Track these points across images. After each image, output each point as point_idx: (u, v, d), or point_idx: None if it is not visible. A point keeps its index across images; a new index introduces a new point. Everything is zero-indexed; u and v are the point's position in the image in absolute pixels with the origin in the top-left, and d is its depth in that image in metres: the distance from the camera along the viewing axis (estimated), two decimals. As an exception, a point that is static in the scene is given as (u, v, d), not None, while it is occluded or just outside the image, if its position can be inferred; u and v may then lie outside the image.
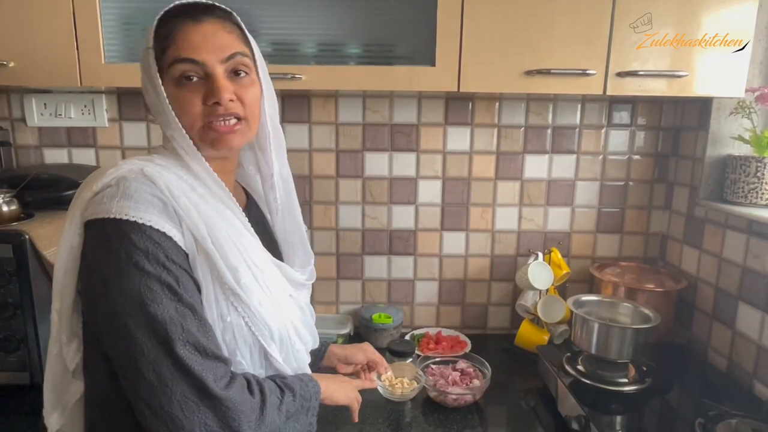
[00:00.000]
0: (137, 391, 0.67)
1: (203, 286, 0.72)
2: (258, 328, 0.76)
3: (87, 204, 0.71)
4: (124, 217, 0.67)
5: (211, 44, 0.74)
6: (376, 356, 1.12)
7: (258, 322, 0.76)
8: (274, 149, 0.87)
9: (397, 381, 1.14)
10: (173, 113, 0.74)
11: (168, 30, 0.74)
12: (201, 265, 0.72)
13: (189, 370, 0.66)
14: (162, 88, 0.74)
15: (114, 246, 0.67)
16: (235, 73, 0.77)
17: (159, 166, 0.74)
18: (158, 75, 0.74)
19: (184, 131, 0.75)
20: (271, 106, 0.85)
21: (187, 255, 0.72)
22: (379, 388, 1.10)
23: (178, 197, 0.71)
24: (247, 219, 0.82)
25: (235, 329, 0.74)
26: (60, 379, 0.77)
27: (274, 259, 0.85)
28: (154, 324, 0.66)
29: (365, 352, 1.11)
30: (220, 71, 0.75)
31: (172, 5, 0.76)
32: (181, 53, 0.73)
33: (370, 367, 1.11)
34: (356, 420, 0.96)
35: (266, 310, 0.77)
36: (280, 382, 0.79)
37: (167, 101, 0.74)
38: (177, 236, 0.70)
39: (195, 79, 0.75)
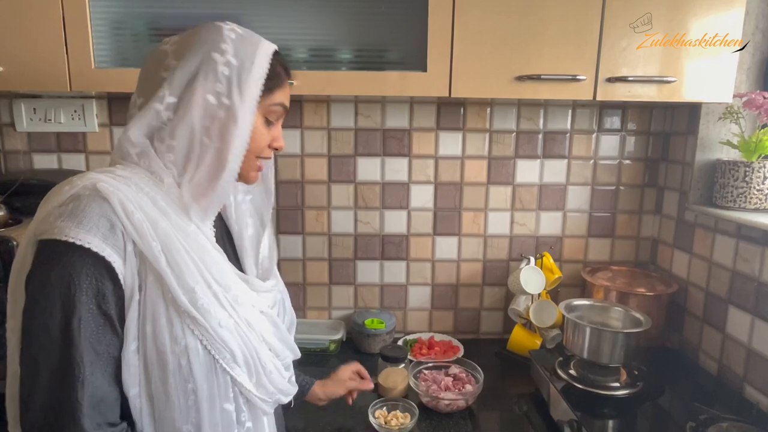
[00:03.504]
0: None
1: (149, 311, 0.69)
2: (218, 351, 0.72)
3: (39, 224, 0.68)
4: (63, 238, 0.64)
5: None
6: (357, 370, 1.18)
7: (217, 345, 0.72)
8: (271, 182, 0.93)
9: (391, 416, 1.12)
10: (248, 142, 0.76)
11: (280, 75, 0.80)
12: (150, 287, 0.69)
13: (43, 422, 0.65)
14: (255, 115, 0.75)
15: (40, 269, 0.66)
16: None
17: (119, 178, 0.71)
18: (258, 102, 0.75)
19: (241, 160, 0.75)
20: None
21: (122, 286, 0.68)
22: (375, 426, 1.09)
23: (132, 213, 0.68)
24: (214, 232, 0.79)
25: (190, 353, 0.70)
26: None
27: (241, 273, 0.82)
28: (33, 362, 0.65)
29: (344, 382, 1.15)
30: None
31: (280, 52, 0.80)
32: (285, 102, 0.81)
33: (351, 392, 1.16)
34: None
35: (227, 331, 0.73)
36: None
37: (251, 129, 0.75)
38: (117, 262, 0.67)
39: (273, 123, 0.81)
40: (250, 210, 0.92)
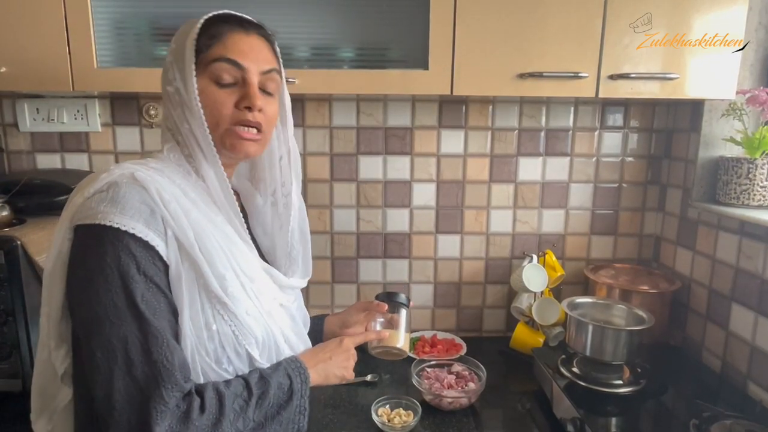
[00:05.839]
0: (96, 405, 0.67)
1: (186, 294, 0.71)
2: (245, 337, 0.76)
3: (77, 209, 0.71)
4: (107, 223, 0.67)
5: (255, 55, 0.79)
6: (371, 305, 1.07)
7: (245, 331, 0.76)
8: (296, 169, 0.91)
9: (394, 414, 1.11)
10: (200, 108, 0.75)
11: (218, 31, 0.77)
12: (186, 273, 0.71)
13: (137, 398, 0.65)
14: (195, 80, 0.75)
15: (91, 253, 0.68)
16: (264, 91, 0.81)
17: (152, 169, 0.74)
18: (194, 68, 0.75)
19: (206, 129, 0.75)
20: (291, 125, 0.90)
21: (167, 267, 0.71)
22: (378, 424, 1.09)
23: (169, 202, 0.71)
24: (244, 225, 0.81)
25: (222, 337, 0.74)
26: (48, 384, 0.76)
27: (266, 265, 0.84)
28: (110, 343, 0.66)
29: (359, 308, 1.09)
30: (256, 80, 0.78)
31: (224, 11, 0.79)
32: (227, 54, 0.76)
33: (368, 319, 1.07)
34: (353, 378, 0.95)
35: (253, 319, 0.77)
36: (254, 382, 0.75)
37: (197, 95, 0.75)
38: (160, 246, 0.70)
39: (230, 82, 0.77)
40: (295, 218, 0.93)
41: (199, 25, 0.76)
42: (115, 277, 0.66)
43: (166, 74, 0.79)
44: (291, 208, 0.90)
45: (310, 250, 0.97)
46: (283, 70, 0.87)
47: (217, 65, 0.76)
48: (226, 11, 0.79)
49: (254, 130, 0.79)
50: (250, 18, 0.81)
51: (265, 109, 0.80)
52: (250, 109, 0.77)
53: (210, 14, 0.77)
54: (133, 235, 0.67)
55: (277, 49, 0.85)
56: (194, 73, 0.75)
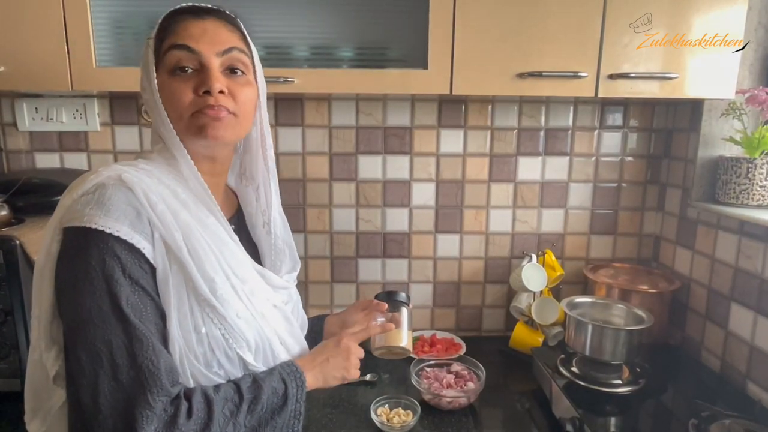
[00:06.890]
0: (83, 409, 0.66)
1: (174, 297, 0.71)
2: (236, 340, 0.75)
3: (66, 210, 0.70)
4: (93, 226, 0.66)
5: (209, 37, 0.75)
6: (371, 304, 1.04)
7: (235, 334, 0.75)
8: (270, 154, 0.88)
9: (393, 414, 1.11)
10: (162, 105, 0.74)
11: (171, 23, 0.76)
12: (174, 275, 0.71)
13: (122, 402, 0.65)
14: (155, 78, 0.75)
15: (76, 256, 0.67)
16: (231, 71, 0.78)
17: (141, 170, 0.74)
18: (154, 66, 0.75)
19: (170, 124, 0.75)
20: (266, 111, 0.86)
21: (154, 269, 0.70)
22: (377, 424, 1.09)
23: (156, 204, 0.70)
24: (231, 226, 0.81)
25: (211, 341, 0.73)
26: (41, 386, 0.75)
27: (258, 266, 0.84)
28: (95, 347, 0.65)
29: (358, 307, 1.06)
30: (215, 63, 0.76)
31: (180, 5, 0.78)
32: (177, 40, 0.74)
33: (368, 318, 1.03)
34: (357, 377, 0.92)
35: (244, 321, 0.76)
36: (245, 387, 0.74)
37: (158, 92, 0.74)
38: (146, 248, 0.69)
39: (189, 70, 0.75)
40: (276, 206, 0.93)
41: (156, 26, 0.76)
42: (100, 281, 0.66)
43: (141, 84, 0.79)
44: (271, 196, 0.89)
45: (293, 240, 0.96)
46: (254, 50, 0.83)
47: (170, 54, 0.74)
48: (182, 4, 0.78)
49: (222, 112, 0.75)
50: (207, 5, 0.79)
51: (232, 90, 0.76)
52: (209, 93, 0.74)
53: (166, 12, 0.77)
54: (117, 238, 0.67)
55: (243, 29, 0.82)
56: (155, 72, 0.75)
